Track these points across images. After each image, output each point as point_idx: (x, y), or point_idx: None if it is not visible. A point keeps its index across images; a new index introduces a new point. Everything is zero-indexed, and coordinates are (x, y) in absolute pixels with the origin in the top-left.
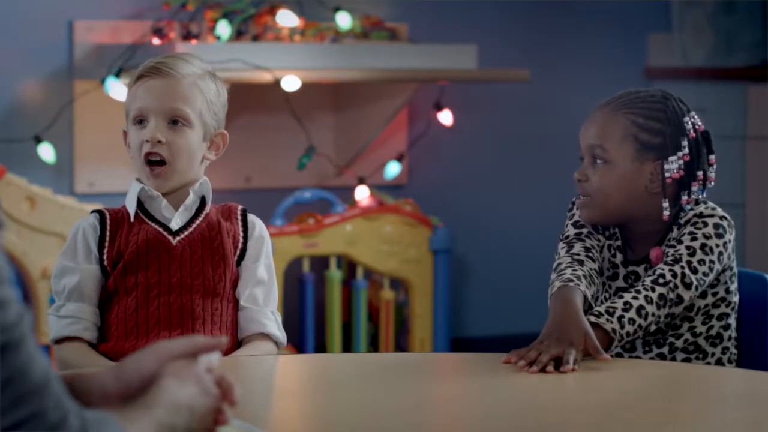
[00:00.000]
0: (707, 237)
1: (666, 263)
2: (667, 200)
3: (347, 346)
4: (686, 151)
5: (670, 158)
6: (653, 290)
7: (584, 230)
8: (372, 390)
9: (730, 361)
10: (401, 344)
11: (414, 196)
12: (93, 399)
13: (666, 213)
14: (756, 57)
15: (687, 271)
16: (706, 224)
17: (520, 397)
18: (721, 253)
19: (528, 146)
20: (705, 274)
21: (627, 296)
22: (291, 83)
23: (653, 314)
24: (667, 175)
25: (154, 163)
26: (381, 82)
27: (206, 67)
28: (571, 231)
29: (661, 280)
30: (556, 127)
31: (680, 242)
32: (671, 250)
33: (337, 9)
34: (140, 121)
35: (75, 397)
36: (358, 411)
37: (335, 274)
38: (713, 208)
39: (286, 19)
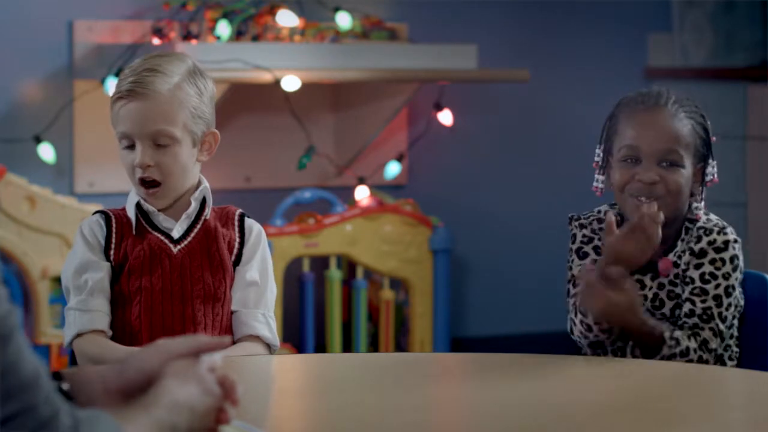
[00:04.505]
0: (727, 277)
1: (701, 319)
2: (703, 202)
3: (347, 346)
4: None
5: (711, 162)
6: (696, 353)
7: (588, 260)
8: (372, 390)
9: (731, 359)
10: (401, 344)
11: (414, 196)
12: (94, 393)
13: (700, 213)
14: (756, 57)
15: (720, 326)
16: (724, 261)
17: (520, 397)
18: (737, 278)
19: (528, 146)
20: (730, 313)
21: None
22: (291, 83)
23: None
24: (708, 178)
25: (149, 184)
26: (381, 82)
27: (185, 66)
28: (574, 265)
29: (703, 347)
30: (556, 127)
31: (705, 281)
32: (700, 307)
33: (337, 9)
34: (127, 143)
35: (77, 391)
36: (358, 411)
37: (335, 274)
38: (723, 230)
39: (286, 19)
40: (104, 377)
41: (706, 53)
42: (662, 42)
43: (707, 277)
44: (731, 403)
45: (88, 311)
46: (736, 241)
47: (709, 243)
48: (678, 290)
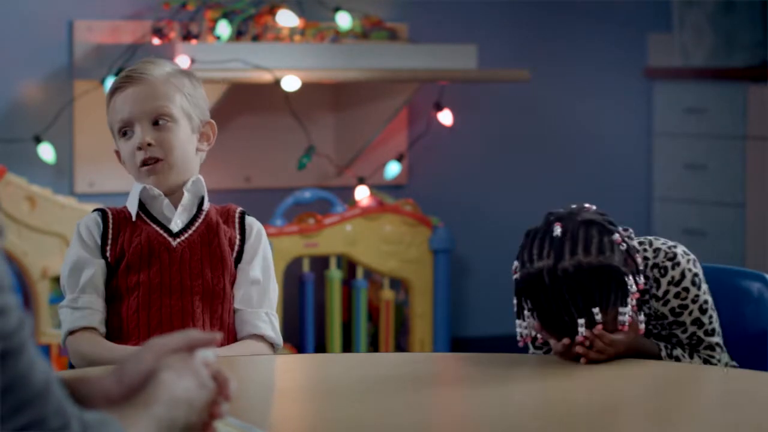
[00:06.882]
0: (696, 300)
1: (691, 345)
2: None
3: (347, 346)
4: (642, 281)
5: (621, 310)
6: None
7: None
8: (372, 390)
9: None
10: (401, 344)
11: (414, 196)
12: (96, 404)
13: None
14: (756, 57)
15: (713, 340)
16: (687, 290)
17: (520, 398)
18: (705, 290)
19: (528, 146)
20: (714, 321)
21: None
22: (291, 83)
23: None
24: (623, 320)
25: (150, 161)
26: (381, 82)
27: (176, 66)
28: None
29: (707, 363)
30: (556, 127)
31: (677, 314)
32: (684, 337)
33: (337, 9)
34: (126, 132)
35: (78, 403)
36: (358, 411)
37: (335, 274)
38: (673, 259)
39: (286, 19)
40: (104, 385)
41: (706, 53)
42: (662, 42)
43: (678, 310)
44: (729, 403)
45: (79, 308)
46: (686, 254)
47: (669, 282)
48: (650, 327)
